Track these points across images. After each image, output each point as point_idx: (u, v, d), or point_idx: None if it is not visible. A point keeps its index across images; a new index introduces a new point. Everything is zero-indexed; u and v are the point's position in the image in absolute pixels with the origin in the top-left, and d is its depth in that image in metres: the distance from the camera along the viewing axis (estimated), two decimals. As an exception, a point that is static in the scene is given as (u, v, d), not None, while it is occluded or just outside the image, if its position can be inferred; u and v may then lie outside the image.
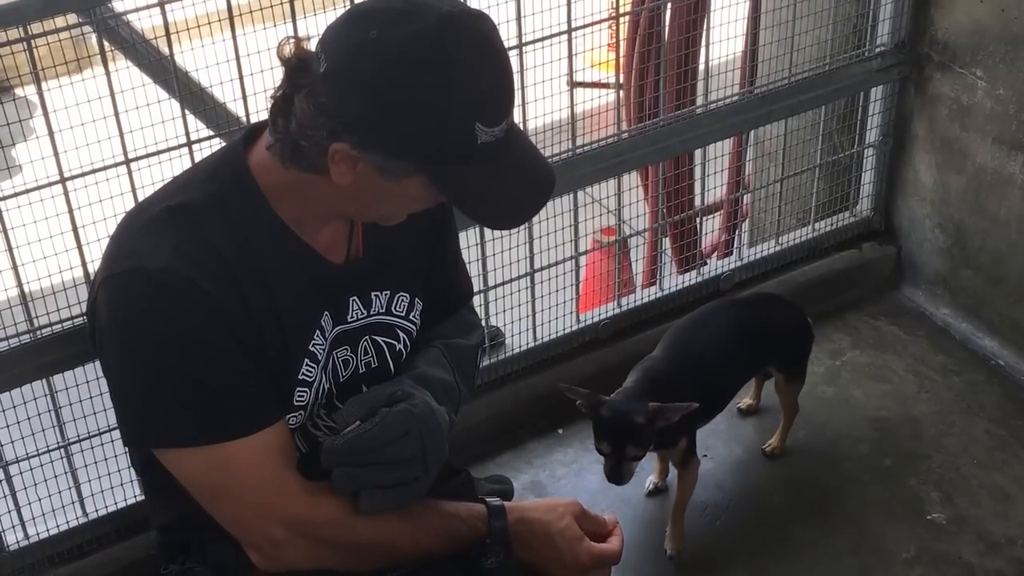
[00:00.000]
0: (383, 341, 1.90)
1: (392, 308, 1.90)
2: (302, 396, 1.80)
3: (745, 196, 3.73)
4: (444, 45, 1.56)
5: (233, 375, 1.70)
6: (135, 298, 1.67)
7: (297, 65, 1.62)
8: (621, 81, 3.18)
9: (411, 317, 1.93)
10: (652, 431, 2.41)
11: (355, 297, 1.86)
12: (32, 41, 2.10)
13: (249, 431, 1.72)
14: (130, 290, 1.68)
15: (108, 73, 2.18)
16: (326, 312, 1.82)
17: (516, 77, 2.63)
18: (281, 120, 1.66)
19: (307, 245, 1.78)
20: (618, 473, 2.42)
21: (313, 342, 1.79)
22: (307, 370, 1.79)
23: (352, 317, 1.86)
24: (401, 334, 1.92)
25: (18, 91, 2.53)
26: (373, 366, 1.90)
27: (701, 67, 3.06)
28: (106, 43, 2.23)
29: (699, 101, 3.05)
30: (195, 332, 1.67)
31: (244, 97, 2.29)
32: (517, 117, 2.69)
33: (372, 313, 1.88)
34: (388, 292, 1.89)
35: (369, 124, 1.58)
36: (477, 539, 1.83)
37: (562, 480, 2.94)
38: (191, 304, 1.66)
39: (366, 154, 1.61)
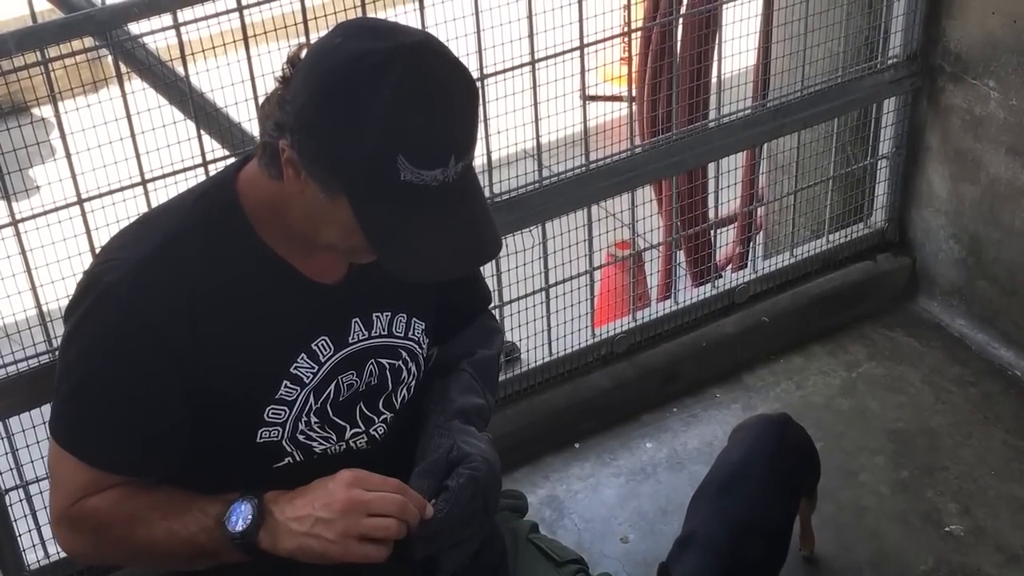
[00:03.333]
0: (386, 362, 1.91)
1: (393, 329, 1.91)
2: (279, 414, 1.80)
3: (759, 208, 3.74)
4: (389, 68, 1.53)
5: (126, 408, 1.73)
6: (84, 298, 1.71)
7: (294, 63, 1.65)
8: (634, 94, 3.18)
9: (410, 336, 1.93)
10: None
11: (357, 319, 1.86)
12: (49, 64, 2.12)
13: (94, 464, 1.74)
14: (84, 289, 1.72)
15: (124, 95, 2.20)
16: (323, 337, 1.82)
17: (528, 94, 2.67)
18: (260, 114, 1.68)
19: (293, 269, 1.77)
20: None
21: (296, 365, 1.79)
22: (287, 391, 1.79)
23: (354, 339, 1.85)
24: (403, 352, 1.93)
25: (35, 111, 2.55)
26: (372, 384, 1.91)
27: (713, 81, 3.07)
28: (122, 65, 2.26)
29: (712, 115, 3.05)
30: (114, 352, 1.70)
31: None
32: (529, 133, 2.73)
33: (374, 335, 1.88)
34: (389, 313, 1.90)
35: (304, 124, 1.58)
36: (227, 501, 1.74)
37: (579, 494, 2.94)
38: (124, 324, 1.68)
39: (299, 156, 1.60)
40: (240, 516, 1.70)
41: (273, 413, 1.79)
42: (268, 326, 1.77)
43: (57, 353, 1.82)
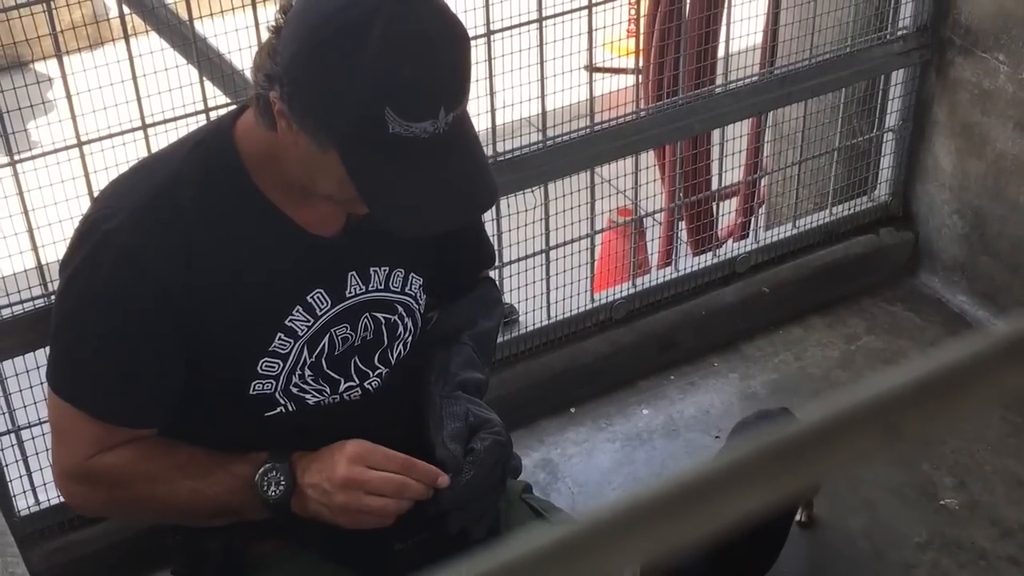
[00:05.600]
0: (382, 316, 1.89)
1: (390, 284, 1.89)
2: (272, 366, 1.79)
3: (762, 179, 3.71)
4: (375, 19, 1.51)
5: (127, 357, 1.72)
6: (80, 247, 1.70)
7: (286, 11, 1.62)
8: (640, 59, 3.16)
9: (407, 291, 1.92)
10: None
11: (354, 272, 1.84)
12: (53, 6, 2.10)
13: (98, 416, 1.74)
14: (80, 238, 1.71)
15: (127, 38, 2.18)
16: (319, 289, 1.80)
17: (534, 52, 2.64)
18: (252, 65, 1.66)
19: (290, 220, 1.75)
20: None
21: (291, 318, 1.78)
22: (280, 344, 1.78)
23: (351, 292, 1.84)
24: (399, 307, 1.91)
25: (38, 67, 2.52)
26: (368, 339, 1.89)
27: (721, 47, 3.05)
28: (125, 7, 2.23)
29: (719, 81, 3.03)
30: (113, 301, 1.69)
31: (262, 65, 2.28)
32: (533, 93, 2.70)
33: (370, 289, 1.86)
34: (387, 268, 1.88)
35: (293, 78, 1.56)
36: (258, 466, 1.74)
37: (574, 459, 2.93)
38: (123, 272, 1.67)
39: (289, 109, 1.58)
40: (273, 482, 1.72)
41: (266, 365, 1.78)
42: (264, 277, 1.76)
43: (54, 304, 1.79)
